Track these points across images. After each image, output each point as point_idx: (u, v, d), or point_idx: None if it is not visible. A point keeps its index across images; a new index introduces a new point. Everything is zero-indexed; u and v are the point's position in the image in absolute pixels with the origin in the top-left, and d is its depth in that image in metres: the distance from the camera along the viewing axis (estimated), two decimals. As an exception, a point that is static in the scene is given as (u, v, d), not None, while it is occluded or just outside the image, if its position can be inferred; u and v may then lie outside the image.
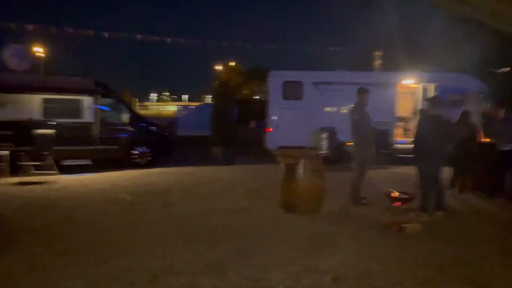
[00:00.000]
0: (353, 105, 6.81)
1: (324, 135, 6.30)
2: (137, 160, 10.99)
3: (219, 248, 4.54)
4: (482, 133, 7.47)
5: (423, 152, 5.67)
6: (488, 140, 7.37)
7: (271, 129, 12.28)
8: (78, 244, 4.66)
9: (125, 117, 11.23)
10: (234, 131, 11.33)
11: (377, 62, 27.94)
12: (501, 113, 7.13)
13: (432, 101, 5.75)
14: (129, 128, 11.11)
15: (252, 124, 36.88)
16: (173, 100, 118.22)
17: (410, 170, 8.66)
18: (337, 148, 11.01)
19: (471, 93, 11.99)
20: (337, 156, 11.18)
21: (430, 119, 5.61)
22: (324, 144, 6.28)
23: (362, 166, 6.71)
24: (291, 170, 5.97)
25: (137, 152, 11.01)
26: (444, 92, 11.82)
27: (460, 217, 5.95)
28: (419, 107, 12.12)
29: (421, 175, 5.87)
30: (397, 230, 5.17)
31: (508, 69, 25.15)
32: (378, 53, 28.09)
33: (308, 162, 5.91)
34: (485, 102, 11.48)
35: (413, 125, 13.10)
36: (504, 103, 7.35)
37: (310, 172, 5.92)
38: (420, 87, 12.47)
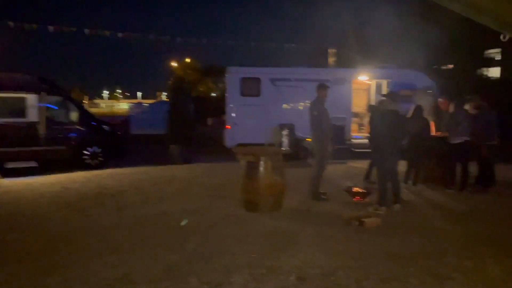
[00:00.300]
0: (312, 101, 6.79)
1: (285, 132, 6.17)
2: (88, 161, 10.40)
3: (178, 252, 4.32)
4: (434, 127, 7.74)
5: (381, 147, 5.74)
6: (439, 133, 7.65)
7: (229, 126, 12.10)
8: (22, 254, 4.26)
9: (74, 115, 10.58)
10: (191, 129, 11.03)
11: (331, 59, 28.55)
12: (451, 107, 7.40)
13: (388, 97, 5.84)
14: (79, 127, 10.49)
15: (210, 121, 36.53)
16: (127, 97, 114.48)
17: (366, 165, 8.87)
18: (295, 144, 11.04)
19: (421, 89, 12.45)
20: (296, 152, 11.22)
21: (387, 114, 5.69)
22: (284, 141, 6.15)
23: (321, 161, 6.71)
24: (251, 167, 5.83)
25: (88, 152, 10.41)
26: (395, 87, 12.20)
27: (416, 209, 6.09)
28: (372, 102, 12.44)
29: (379, 170, 5.96)
30: (357, 224, 5.19)
31: (451, 66, 26.61)
32: (331, 51, 28.70)
33: (269, 159, 5.80)
34: (434, 97, 11.97)
35: (367, 120, 13.47)
36: (453, 98, 7.63)
37: (271, 170, 5.81)
38: (373, 83, 12.79)
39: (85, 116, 10.91)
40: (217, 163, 10.87)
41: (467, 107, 7.56)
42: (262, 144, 12.12)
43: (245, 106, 12.05)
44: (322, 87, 6.71)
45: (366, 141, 12.43)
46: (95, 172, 9.75)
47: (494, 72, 28.92)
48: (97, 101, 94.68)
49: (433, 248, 4.39)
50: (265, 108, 11.98)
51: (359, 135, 12.82)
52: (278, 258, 4.09)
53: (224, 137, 12.29)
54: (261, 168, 5.78)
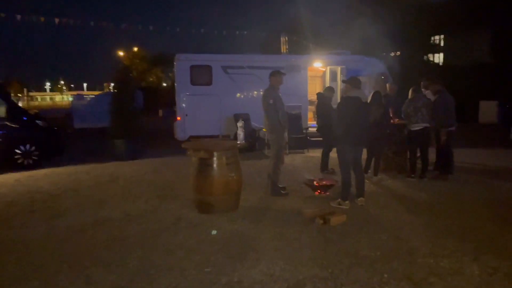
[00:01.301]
0: (265, 89, 6.26)
1: (240, 123, 5.59)
2: (20, 161, 9.25)
3: (118, 269, 3.65)
4: (393, 114, 7.50)
5: (344, 137, 5.33)
6: (397, 120, 7.42)
7: (179, 118, 11.33)
8: None
9: (2, 110, 9.35)
10: (137, 122, 10.14)
11: (284, 47, 28.21)
12: (410, 93, 7.17)
13: (349, 83, 5.43)
14: (8, 124, 9.28)
15: (160, 112, 34.99)
16: (71, 89, 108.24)
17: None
18: (251, 135, 10.53)
19: (374, 75, 12.34)
20: (252, 143, 10.71)
21: (350, 101, 5.28)
22: (240, 133, 5.57)
23: (279, 153, 6.22)
24: (203, 164, 5.22)
25: (19, 151, 9.26)
26: (349, 74, 11.98)
27: (380, 202, 5.78)
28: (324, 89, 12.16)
29: (341, 161, 5.55)
30: (321, 223, 4.76)
31: (398, 53, 27.22)
32: (284, 38, 28.35)
33: (223, 154, 5.21)
34: (388, 83, 11.92)
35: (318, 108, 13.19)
36: (411, 84, 7.41)
37: (225, 166, 5.24)
38: (327, 70, 12.50)
39: (15, 110, 9.68)
40: (168, 158, 10.11)
41: (426, 92, 7.40)
42: (216, 136, 11.57)
43: (196, 96, 11.33)
44: (276, 73, 6.20)
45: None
46: (28, 173, 8.66)
47: (439, 58, 30.04)
48: (33, 93, 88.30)
49: (404, 246, 4.04)
50: (217, 98, 11.34)
51: (315, 123, 12.53)
52: (236, 271, 3.55)
53: (174, 129, 11.51)
54: (215, 165, 5.18)
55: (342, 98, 5.37)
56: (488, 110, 19.74)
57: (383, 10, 22.74)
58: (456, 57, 26.63)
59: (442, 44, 30.45)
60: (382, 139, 7.03)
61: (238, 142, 5.67)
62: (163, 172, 8.34)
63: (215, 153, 5.19)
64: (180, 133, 11.25)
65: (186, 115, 11.26)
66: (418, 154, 7.25)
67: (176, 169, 8.49)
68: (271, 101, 6.04)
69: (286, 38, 27.96)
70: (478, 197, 5.89)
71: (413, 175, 7.07)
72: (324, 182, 6.32)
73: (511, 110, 12.65)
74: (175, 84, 11.59)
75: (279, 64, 11.23)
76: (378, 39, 19.22)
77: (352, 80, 5.45)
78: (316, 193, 6.26)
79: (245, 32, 26.56)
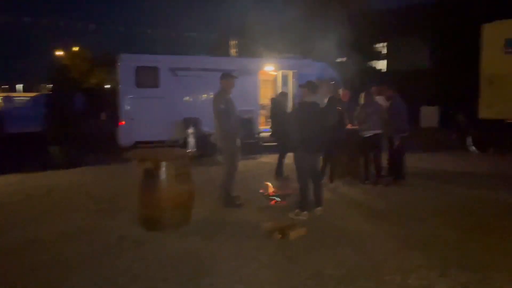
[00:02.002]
0: (216, 93, 5.87)
1: (191, 129, 5.13)
2: None
3: (47, 306, 3.08)
4: (347, 120, 7.40)
5: (301, 144, 5.07)
6: (350, 126, 7.32)
7: (123, 122, 10.58)
8: None
9: None
10: (76, 126, 9.30)
11: (233, 51, 27.96)
12: (361, 98, 7.12)
13: (307, 87, 5.18)
14: None
15: (103, 115, 33.22)
16: (4, 90, 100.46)
17: (276, 160, 8.30)
18: (202, 140, 10.05)
19: (325, 80, 12.36)
20: (203, 149, 10.24)
21: (308, 107, 5.03)
22: (191, 140, 5.11)
23: (232, 160, 5.85)
24: (150, 176, 4.71)
25: None
26: (301, 78, 11.91)
27: (337, 211, 5.58)
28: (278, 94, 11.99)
29: (298, 169, 5.28)
30: (280, 237, 4.44)
31: (344, 59, 27.97)
32: (233, 42, 28.10)
33: (172, 164, 4.74)
34: (341, 89, 12.00)
35: (272, 113, 13.02)
36: (363, 89, 7.36)
37: (175, 177, 4.77)
38: (279, 74, 12.33)
39: None
40: (110, 166, 9.34)
41: (377, 98, 7.38)
42: (163, 141, 10.95)
43: (141, 99, 10.64)
44: (227, 76, 5.84)
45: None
46: None
47: (382, 64, 31.28)
48: None
49: (369, 261, 3.83)
50: (165, 101, 10.72)
51: (267, 128, 12.31)
52: (190, 300, 3.12)
53: (118, 134, 10.73)
54: (163, 176, 4.70)
55: (299, 103, 5.12)
56: (429, 115, 20.71)
57: (329, 16, 23.24)
58: (398, 64, 27.87)
59: (385, 51, 31.74)
60: (338, 145, 6.88)
61: (189, 150, 5.22)
62: (105, 183, 7.64)
63: (163, 164, 4.71)
64: (124, 139, 10.50)
65: (131, 119, 10.54)
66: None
67: (119, 178, 7.81)
68: (222, 106, 5.66)
69: (235, 42, 27.74)
70: (433, 204, 5.88)
71: (367, 181, 7.00)
72: (280, 191, 6.03)
73: (456, 115, 13.14)
74: (118, 86, 10.82)
75: (230, 66, 10.87)
76: (325, 45, 19.55)
77: (309, 85, 5.21)
78: (272, 202, 5.96)
79: (194, 34, 25.96)
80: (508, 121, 11.36)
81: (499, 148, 11.03)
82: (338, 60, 28.07)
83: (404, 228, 4.79)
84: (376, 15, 26.96)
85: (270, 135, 7.93)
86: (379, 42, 30.43)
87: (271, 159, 10.23)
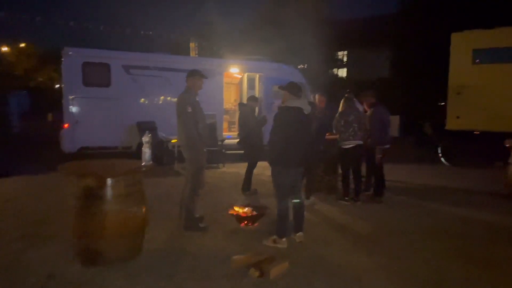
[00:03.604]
0: (181, 94, 4.91)
1: (146, 137, 4.10)
2: None
3: None
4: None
5: (282, 157, 4.21)
6: (328, 136, 6.56)
7: (67, 125, 9.27)
8: None
9: None
10: (8, 127, 7.92)
11: (193, 53, 26.79)
12: (341, 106, 6.40)
13: (289, 90, 4.34)
14: None
15: (49, 117, 30.78)
16: None
17: (242, 170, 7.42)
18: (158, 147, 8.97)
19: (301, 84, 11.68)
20: (159, 157, 9.16)
21: (291, 113, 4.19)
22: (146, 151, 4.07)
23: (197, 174, 4.90)
24: (91, 196, 3.66)
25: None
26: (268, 82, 11.16)
27: (319, 235, 4.77)
28: (244, 98, 11.16)
29: (279, 186, 4.39)
30: (257, 276, 3.55)
31: (305, 65, 27.77)
32: (193, 44, 26.96)
33: (121, 181, 3.72)
34: (318, 94, 11.41)
35: (240, 119, 12.17)
36: (343, 95, 6.66)
37: (124, 197, 3.75)
38: (244, 76, 11.48)
39: None
40: (49, 176, 7.97)
41: (358, 105, 6.72)
42: (114, 148, 9.73)
43: (89, 99, 9.42)
44: (195, 74, 4.92)
45: (238, 141, 11.12)
46: None
47: (343, 72, 31.46)
48: None
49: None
50: (117, 102, 9.57)
51: (230, 135, 11.41)
52: None
53: (61, 139, 9.40)
54: (108, 197, 3.67)
55: (280, 108, 4.27)
56: (391, 124, 20.68)
57: (292, 22, 22.87)
58: (358, 72, 28.06)
59: (345, 59, 31.97)
60: (317, 157, 6.10)
61: (144, 163, 4.20)
62: (39, 197, 6.38)
63: (108, 180, 3.67)
64: (67, 144, 9.21)
65: (77, 121, 9.26)
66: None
67: (55, 193, 6.47)
68: (189, 109, 4.70)
69: (196, 43, 26.62)
70: (421, 226, 5.21)
71: (346, 198, 6.27)
72: (251, 211, 5.14)
73: (424, 126, 12.91)
74: (63, 84, 9.50)
75: (192, 66, 9.75)
76: (288, 50, 19.03)
77: (291, 87, 4.37)
78: (242, 224, 5.06)
79: (150, 33, 24.56)
80: (476, 132, 11.24)
81: (467, 160, 10.82)
82: (299, 66, 27.82)
83: (399, 260, 4.05)
84: (338, 24, 26.99)
85: (238, 143, 7.03)
86: (341, 50, 30.58)
87: (235, 168, 9.34)
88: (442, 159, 11.06)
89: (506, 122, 10.42)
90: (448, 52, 11.69)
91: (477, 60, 11.15)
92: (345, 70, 31.86)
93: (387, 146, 6.33)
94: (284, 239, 4.32)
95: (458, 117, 11.45)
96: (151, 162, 4.26)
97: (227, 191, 7.01)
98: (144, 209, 3.97)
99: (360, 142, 6.15)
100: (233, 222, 5.09)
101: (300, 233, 4.50)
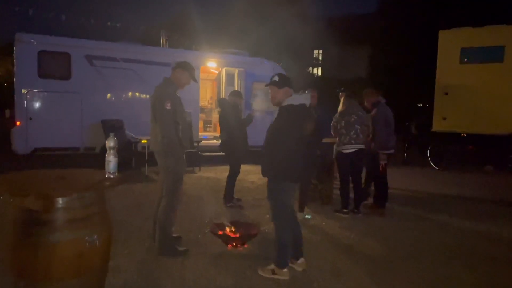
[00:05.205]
0: (159, 87, 3.97)
1: (111, 143, 3.10)
2: None
3: None
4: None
5: (287, 169, 3.35)
6: (327, 139, 5.77)
7: (19, 122, 8.06)
8: None
9: None
10: None
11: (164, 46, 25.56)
12: (341, 104, 5.64)
13: (289, 85, 3.47)
14: None
15: (7, 113, 28.71)
16: None
17: (223, 173, 6.56)
18: (126, 148, 7.93)
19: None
20: (128, 159, 8.12)
21: (296, 112, 3.33)
22: (111, 160, 3.09)
23: (175, 186, 3.98)
24: (33, 222, 2.68)
25: None
26: (249, 78, 10.31)
27: (323, 260, 3.97)
28: (222, 95, 10.28)
29: (279, 208, 3.51)
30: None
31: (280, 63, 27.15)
32: (164, 38, 25.73)
33: (75, 201, 2.76)
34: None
35: (216, 117, 11.26)
36: (342, 92, 5.89)
37: (80, 223, 2.79)
38: (223, 71, 10.55)
39: None
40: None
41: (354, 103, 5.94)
42: (76, 149, 8.59)
43: (46, 93, 8.26)
44: (184, 66, 4.02)
45: (215, 142, 10.21)
46: None
47: (317, 71, 31.06)
48: None
49: None
50: (78, 97, 8.44)
51: (206, 135, 10.48)
52: None
53: (12, 138, 8.16)
54: (58, 222, 2.70)
55: (282, 108, 3.39)
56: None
57: (270, 18, 22.23)
58: (333, 71, 27.68)
59: (320, 58, 31.60)
60: (313, 163, 5.27)
61: (108, 175, 3.22)
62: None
63: (58, 200, 2.70)
64: (19, 144, 8.01)
65: (30, 118, 8.06)
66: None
67: None
68: (167, 106, 3.77)
69: (167, 37, 25.39)
70: (439, 245, 4.50)
71: (345, 210, 5.50)
72: (241, 230, 4.27)
73: (409, 127, 12.40)
74: (15, 76, 8.26)
75: (165, 59, 8.89)
76: (263, 46, 18.34)
77: (289, 81, 3.50)
78: (230, 246, 4.18)
79: (118, 25, 23.11)
80: (463, 135, 10.84)
81: (455, 164, 10.39)
82: (277, 63, 27.19)
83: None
84: (313, 22, 26.53)
85: (220, 146, 6.14)
86: (316, 49, 30.17)
87: (212, 172, 8.45)
88: (431, 162, 10.58)
89: (494, 124, 10.06)
90: (427, 51, 11.28)
91: (465, 59, 10.74)
92: (320, 69, 31.47)
93: (392, 151, 5.61)
94: (285, 270, 3.47)
95: (444, 118, 11.03)
96: (117, 174, 3.29)
97: (207, 202, 6.10)
98: (106, 237, 3.02)
99: (362, 146, 5.40)
100: (217, 243, 4.21)
101: (301, 260, 3.66)
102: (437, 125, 11.07)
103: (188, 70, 3.99)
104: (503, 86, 10.07)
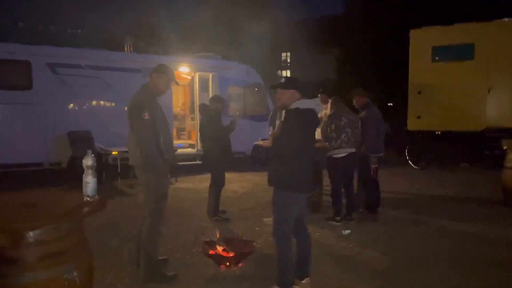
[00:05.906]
0: (137, 94, 3.56)
1: (89, 161, 2.67)
2: None
3: None
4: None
5: (293, 179, 3.03)
6: (318, 144, 5.50)
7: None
8: None
9: None
10: None
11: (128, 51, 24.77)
12: (329, 107, 5.42)
13: (298, 88, 3.14)
14: None
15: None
16: None
17: (202, 183, 6.18)
18: (97, 161, 7.35)
19: (250, 86, 10.60)
20: (98, 173, 7.53)
21: (305, 117, 3.02)
22: (90, 181, 2.65)
23: (159, 204, 3.58)
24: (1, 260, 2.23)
25: None
26: (223, 83, 9.97)
27: (327, 276, 3.68)
28: (196, 101, 9.87)
29: (282, 222, 3.18)
30: None
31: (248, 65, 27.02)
32: (128, 45, 24.95)
33: (50, 232, 2.33)
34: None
35: (190, 124, 10.85)
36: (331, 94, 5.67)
37: (55, 258, 2.36)
38: (196, 76, 10.13)
39: None
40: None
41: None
42: (40, 164, 7.93)
43: (4, 105, 7.57)
44: (164, 69, 3.62)
45: (190, 150, 9.79)
46: None
47: (287, 73, 31.09)
48: None
49: None
50: (41, 108, 7.81)
51: (181, 143, 10.04)
52: None
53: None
54: (28, 258, 2.27)
55: (289, 112, 3.07)
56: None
57: (238, 22, 21.99)
58: (301, 73, 27.76)
59: (289, 60, 31.65)
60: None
61: (87, 198, 2.77)
62: None
63: (29, 234, 2.26)
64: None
65: (-13, 132, 7.36)
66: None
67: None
68: (145, 116, 3.37)
69: (131, 44, 24.63)
70: (440, 251, 4.32)
71: (338, 218, 5.25)
72: (234, 249, 3.91)
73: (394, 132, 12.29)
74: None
75: (134, 65, 8.41)
76: (234, 49, 18.07)
77: (297, 83, 3.21)
78: (223, 266, 3.82)
79: (79, 31, 22.13)
80: (438, 133, 10.94)
81: (433, 163, 10.46)
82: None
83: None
84: (282, 25, 26.54)
85: (202, 156, 5.74)
86: (284, 51, 30.17)
87: (190, 183, 8.04)
88: (410, 162, 10.59)
89: (466, 121, 10.19)
90: (399, 51, 11.35)
91: (437, 58, 10.85)
92: (288, 71, 31.50)
93: (381, 154, 5.42)
94: (290, 297, 3.15)
95: (418, 117, 11.09)
96: (95, 195, 2.85)
97: (190, 216, 5.70)
98: (89, 270, 2.59)
99: (353, 150, 5.18)
100: (209, 263, 3.84)
101: (307, 280, 3.34)
102: (412, 124, 11.12)
103: (164, 73, 3.61)
104: (474, 83, 10.22)
